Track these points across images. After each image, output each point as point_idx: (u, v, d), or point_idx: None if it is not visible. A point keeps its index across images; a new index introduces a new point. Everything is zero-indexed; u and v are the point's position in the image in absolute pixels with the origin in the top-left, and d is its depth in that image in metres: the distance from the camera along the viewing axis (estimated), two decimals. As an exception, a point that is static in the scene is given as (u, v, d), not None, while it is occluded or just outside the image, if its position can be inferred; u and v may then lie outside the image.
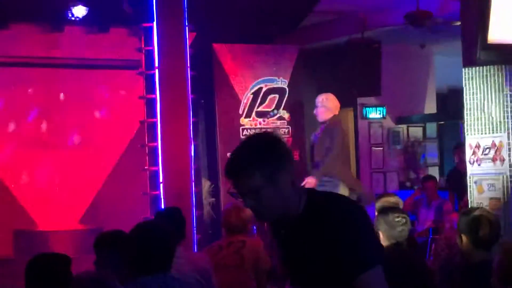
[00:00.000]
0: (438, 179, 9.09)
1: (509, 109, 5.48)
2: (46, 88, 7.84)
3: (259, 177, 2.22)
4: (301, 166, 8.46)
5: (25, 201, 7.79)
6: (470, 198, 5.63)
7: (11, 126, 7.83)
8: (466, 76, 5.63)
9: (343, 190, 6.83)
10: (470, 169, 5.62)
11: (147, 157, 6.57)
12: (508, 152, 5.44)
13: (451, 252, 4.92)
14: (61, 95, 7.92)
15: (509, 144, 5.45)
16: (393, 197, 5.25)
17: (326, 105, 7.13)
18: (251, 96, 8.38)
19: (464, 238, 3.70)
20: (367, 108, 9.89)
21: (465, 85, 5.64)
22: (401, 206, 5.01)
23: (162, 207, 6.29)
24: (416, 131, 10.33)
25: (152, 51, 6.47)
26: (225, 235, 4.93)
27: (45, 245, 6.89)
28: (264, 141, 2.29)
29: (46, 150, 7.85)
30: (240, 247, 4.75)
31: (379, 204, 5.02)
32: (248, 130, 8.30)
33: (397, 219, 4.09)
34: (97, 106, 8.09)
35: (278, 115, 8.51)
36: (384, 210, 4.26)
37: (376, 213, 4.54)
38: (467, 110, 5.65)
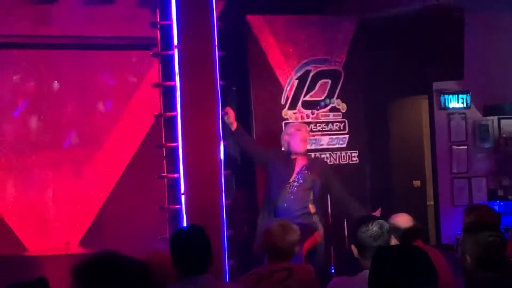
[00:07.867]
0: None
1: None
2: (35, 75, 7.89)
3: None
4: (360, 169, 8.54)
5: (10, 219, 7.83)
6: None
7: (-8, 124, 7.88)
8: None
9: None
10: None
11: (164, 162, 6.62)
12: None
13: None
14: (54, 84, 7.96)
15: None
16: (489, 212, 5.25)
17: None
18: (296, 81, 8.46)
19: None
20: (446, 96, 9.78)
21: None
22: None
23: (184, 224, 6.37)
24: (510, 124, 10.23)
25: (170, 26, 6.49)
26: (267, 261, 4.96)
27: (37, 274, 6.93)
28: None
29: (35, 153, 7.91)
30: (285, 277, 4.75)
31: (469, 219, 5.04)
32: (293, 126, 8.33)
33: (490, 239, 4.07)
34: (99, 97, 8.09)
35: (330, 106, 8.57)
36: (473, 228, 4.25)
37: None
38: None
